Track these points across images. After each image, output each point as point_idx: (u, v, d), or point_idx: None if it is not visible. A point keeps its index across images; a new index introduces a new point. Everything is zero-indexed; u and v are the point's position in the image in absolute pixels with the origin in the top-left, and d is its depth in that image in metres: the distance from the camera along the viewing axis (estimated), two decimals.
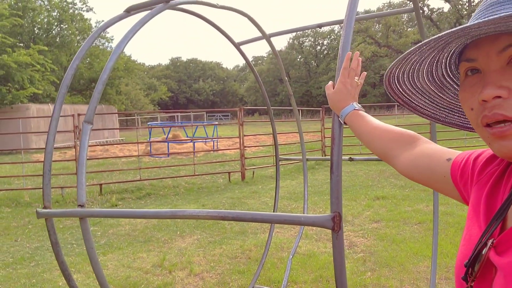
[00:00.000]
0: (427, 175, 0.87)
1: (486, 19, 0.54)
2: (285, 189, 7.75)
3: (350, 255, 4.29)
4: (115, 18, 1.70)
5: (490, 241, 0.64)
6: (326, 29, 59.51)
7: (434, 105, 0.84)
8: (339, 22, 2.42)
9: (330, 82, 1.10)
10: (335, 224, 0.84)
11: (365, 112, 1.04)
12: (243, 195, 7.43)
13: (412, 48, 0.66)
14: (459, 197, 0.83)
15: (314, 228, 5.28)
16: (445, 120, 0.86)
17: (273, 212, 3.24)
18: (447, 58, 0.74)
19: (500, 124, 0.61)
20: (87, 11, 33.86)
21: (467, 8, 23.85)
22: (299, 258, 4.20)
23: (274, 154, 3.31)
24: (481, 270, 0.64)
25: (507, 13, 0.53)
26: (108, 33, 37.04)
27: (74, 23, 31.46)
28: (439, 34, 0.61)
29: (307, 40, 59.34)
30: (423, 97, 0.83)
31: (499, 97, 0.60)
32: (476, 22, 0.56)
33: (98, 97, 1.47)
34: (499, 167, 0.73)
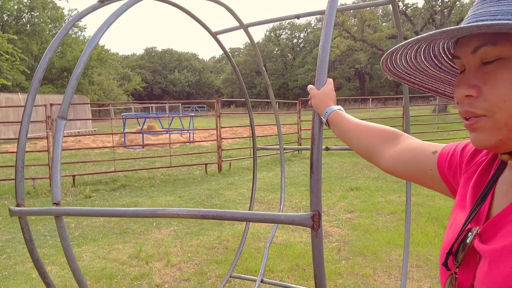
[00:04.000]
0: (413, 170, 0.87)
1: (458, 27, 0.58)
2: (262, 181, 7.80)
3: (325, 245, 4.38)
4: (88, 8, 1.66)
5: (475, 229, 0.65)
6: (303, 22, 59.70)
7: (418, 72, 0.82)
8: (316, 13, 2.45)
9: (311, 86, 1.11)
10: (315, 222, 0.85)
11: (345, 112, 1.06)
12: (220, 187, 7.44)
13: (408, 41, 0.67)
14: (447, 189, 0.84)
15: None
16: (421, 84, 0.85)
17: (250, 202, 3.27)
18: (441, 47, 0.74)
19: (472, 118, 0.64)
20: None
21: (440, 4, 24.40)
22: (276, 247, 4.26)
23: (252, 145, 3.32)
24: (466, 257, 0.66)
25: (477, 24, 0.56)
26: (81, 21, 36.01)
27: (46, 11, 30.44)
28: (424, 35, 0.63)
29: (284, 33, 59.41)
30: (409, 65, 0.80)
31: (471, 96, 0.63)
32: (450, 28, 0.59)
33: (72, 92, 1.43)
34: (487, 157, 0.75)
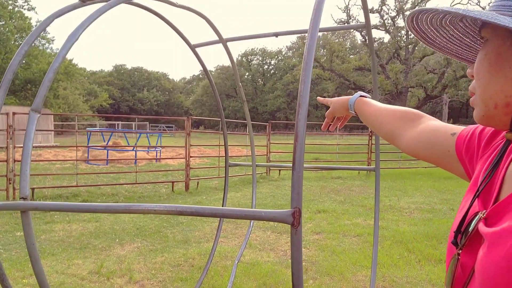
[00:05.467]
0: (432, 150, 0.89)
1: (489, 19, 0.58)
2: (230, 201, 7.72)
3: None
4: (68, 6, 1.62)
5: (482, 212, 0.65)
6: (273, 49, 61.12)
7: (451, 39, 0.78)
8: (295, 32, 2.51)
9: (321, 98, 1.24)
10: (295, 219, 0.84)
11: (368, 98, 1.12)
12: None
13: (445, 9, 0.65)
14: (463, 173, 0.83)
15: (258, 237, 5.31)
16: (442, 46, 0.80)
17: (223, 203, 3.22)
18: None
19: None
20: (29, 9, 31.98)
21: (405, 40, 25.67)
22: (243, 266, 4.19)
23: (221, 163, 3.31)
24: (470, 240, 0.65)
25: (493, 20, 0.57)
26: (48, 33, 35.28)
27: (12, 20, 29.59)
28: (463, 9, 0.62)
29: (255, 59, 60.47)
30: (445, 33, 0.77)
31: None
32: (482, 15, 0.59)
33: (49, 85, 1.38)
34: (503, 141, 0.74)
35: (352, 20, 26.01)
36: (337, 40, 42.56)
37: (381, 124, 1.02)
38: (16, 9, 30.72)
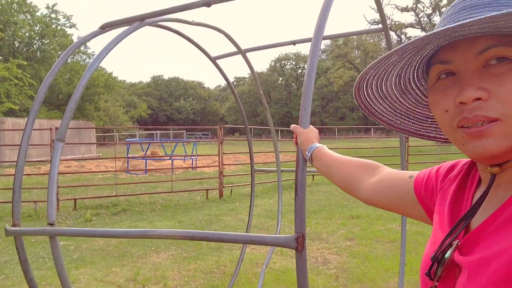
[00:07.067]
0: (392, 195, 0.89)
1: (478, 18, 0.53)
2: (263, 207, 7.79)
3: (323, 271, 4.35)
4: (89, 35, 1.72)
5: (455, 242, 0.65)
6: (307, 52, 60.73)
7: (392, 110, 0.84)
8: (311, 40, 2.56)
9: (295, 125, 1.15)
10: (299, 244, 0.87)
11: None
12: (220, 212, 7.44)
13: (393, 50, 0.64)
14: (425, 214, 0.84)
15: None
16: (399, 126, 0.86)
17: (247, 226, 3.29)
18: (418, 61, 0.72)
19: (477, 123, 0.60)
20: (70, 27, 33.74)
21: None
22: (273, 273, 4.24)
23: (250, 164, 3.38)
24: (446, 271, 0.65)
25: (495, 13, 0.52)
26: (89, 48, 36.95)
27: (56, 38, 31.34)
28: (420, 36, 0.59)
29: (289, 63, 60.43)
30: (384, 101, 0.82)
31: (479, 99, 0.59)
32: (466, 21, 0.54)
33: (70, 115, 1.46)
34: (461, 172, 0.77)
35: (387, 20, 25.52)
36: (372, 41, 41.82)
37: (340, 173, 1.02)
38: (59, 27, 32.43)
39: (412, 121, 0.84)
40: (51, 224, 1.31)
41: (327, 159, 1.04)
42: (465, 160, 0.81)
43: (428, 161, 13.86)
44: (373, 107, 0.80)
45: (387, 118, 0.82)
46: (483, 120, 0.59)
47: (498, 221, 0.60)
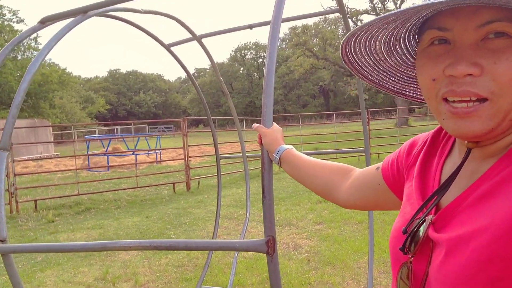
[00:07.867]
0: (367, 193, 0.90)
1: None
2: (231, 197, 7.78)
3: (295, 256, 4.41)
4: (28, 31, 1.59)
5: (429, 218, 0.64)
6: (266, 41, 60.83)
7: (375, 67, 0.79)
8: (269, 23, 2.52)
9: (258, 124, 1.05)
10: (269, 247, 0.83)
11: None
12: (188, 205, 7.36)
13: (392, 12, 0.59)
14: (399, 200, 0.82)
15: (260, 232, 5.36)
16: (379, 83, 0.82)
17: (216, 216, 3.26)
18: (413, 22, 0.67)
19: (463, 104, 0.58)
20: (18, 22, 31.88)
21: None
22: (246, 262, 4.25)
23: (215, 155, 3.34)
24: (419, 246, 0.64)
25: None
26: (40, 44, 35.17)
27: (2, 34, 29.56)
28: (426, 3, 0.54)
29: (249, 53, 60.34)
30: (369, 57, 0.77)
31: (471, 74, 0.56)
32: None
33: (13, 121, 1.33)
34: (425, 145, 0.77)
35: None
36: (329, 28, 42.42)
37: (315, 178, 0.99)
38: (6, 22, 30.64)
39: (393, 79, 0.81)
40: (2, 241, 1.20)
41: (298, 163, 1.00)
42: (424, 134, 0.82)
43: (389, 143, 14.32)
44: (356, 61, 0.77)
45: (368, 73, 0.80)
46: (471, 96, 0.56)
47: (473, 197, 0.59)
